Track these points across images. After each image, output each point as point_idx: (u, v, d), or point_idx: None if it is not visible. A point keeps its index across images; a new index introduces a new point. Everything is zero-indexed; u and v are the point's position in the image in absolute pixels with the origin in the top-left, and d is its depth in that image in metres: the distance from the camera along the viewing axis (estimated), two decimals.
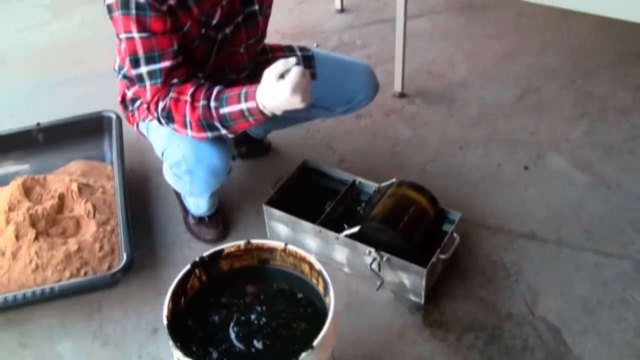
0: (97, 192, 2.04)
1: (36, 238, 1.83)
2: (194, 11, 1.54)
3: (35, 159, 2.21)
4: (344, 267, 1.86)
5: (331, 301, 1.37)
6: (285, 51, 1.93)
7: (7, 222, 1.87)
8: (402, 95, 2.47)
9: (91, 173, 2.17)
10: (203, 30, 1.58)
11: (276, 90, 1.42)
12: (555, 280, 1.79)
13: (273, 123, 2.13)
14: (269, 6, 1.80)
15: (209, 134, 1.55)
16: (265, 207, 1.91)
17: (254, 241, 1.50)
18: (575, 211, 1.99)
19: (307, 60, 1.91)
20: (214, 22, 1.60)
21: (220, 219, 2.02)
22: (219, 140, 1.63)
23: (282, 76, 1.42)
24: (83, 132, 2.24)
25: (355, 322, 1.73)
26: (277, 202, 1.94)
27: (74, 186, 1.99)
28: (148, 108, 1.58)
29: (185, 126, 1.54)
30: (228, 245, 1.50)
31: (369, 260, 1.75)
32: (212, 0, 1.57)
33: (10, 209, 1.91)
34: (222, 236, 2.00)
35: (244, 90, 1.49)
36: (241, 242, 1.50)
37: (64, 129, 2.24)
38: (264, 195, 1.94)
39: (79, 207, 1.97)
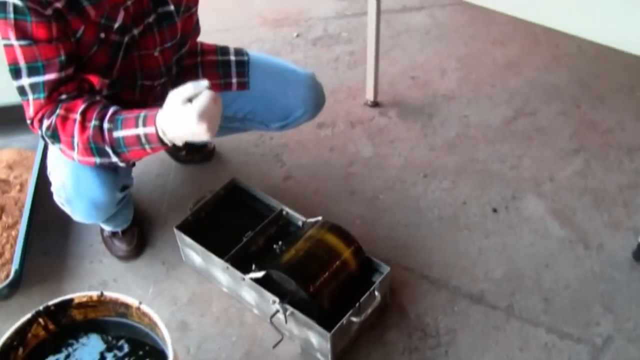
0: (12, 189, 1.85)
1: None
2: (89, 13, 1.28)
3: None
4: (254, 309, 1.62)
5: None
6: (217, 54, 1.66)
7: None
8: (375, 104, 2.16)
9: (20, 165, 1.97)
10: (102, 35, 1.33)
11: (180, 115, 1.20)
12: (492, 358, 1.50)
13: None
14: (193, 4, 1.53)
15: (97, 160, 1.31)
16: (176, 231, 1.68)
17: (108, 294, 1.27)
18: (538, 272, 1.67)
19: (241, 66, 1.64)
20: (117, 25, 1.34)
21: (136, 233, 1.80)
22: (106, 169, 1.41)
23: (190, 100, 1.19)
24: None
25: None
26: (193, 225, 1.70)
27: None
28: (32, 124, 1.35)
29: (72, 148, 1.30)
30: (79, 295, 1.28)
31: (272, 310, 1.50)
32: (112, 0, 1.31)
33: None
34: (135, 253, 1.78)
35: (143, 113, 1.26)
36: (94, 293, 1.28)
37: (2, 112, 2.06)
38: None
39: None
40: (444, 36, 2.44)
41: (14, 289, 1.65)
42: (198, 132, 1.21)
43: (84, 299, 1.28)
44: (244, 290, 1.59)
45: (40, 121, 1.31)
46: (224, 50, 1.67)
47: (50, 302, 1.27)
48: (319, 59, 2.37)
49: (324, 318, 1.46)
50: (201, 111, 1.19)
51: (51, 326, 1.29)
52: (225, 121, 1.78)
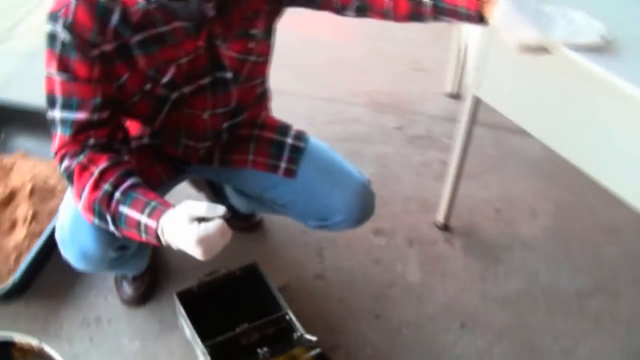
0: (54, 199, 1.88)
1: None
2: (138, 63, 1.26)
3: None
4: None
5: None
6: (276, 133, 1.58)
7: None
8: (444, 227, 1.97)
9: None
10: (148, 86, 1.31)
11: (182, 231, 1.15)
12: None
13: (251, 203, 1.81)
14: (258, 76, 1.47)
15: (96, 221, 1.27)
16: (175, 298, 1.61)
17: (47, 349, 1.22)
18: None
19: (295, 152, 1.55)
20: (165, 79, 1.31)
21: (146, 281, 1.77)
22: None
23: (199, 219, 1.15)
24: None
25: None
26: (196, 296, 1.63)
27: (29, 187, 1.85)
28: (54, 156, 1.34)
29: (79, 198, 1.27)
30: (20, 338, 1.24)
31: None
32: (165, 55, 1.28)
33: None
34: (138, 301, 1.75)
35: (154, 202, 1.21)
36: (35, 343, 1.24)
37: None
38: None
39: (22, 210, 1.83)
40: (552, 174, 2.19)
41: (9, 298, 1.66)
42: (192, 253, 1.16)
43: (24, 343, 1.24)
44: None
45: (62, 159, 1.29)
46: (284, 131, 1.59)
47: None
48: (409, 160, 2.23)
49: None
50: (202, 238, 1.13)
51: None
52: (267, 202, 1.71)
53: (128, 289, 1.76)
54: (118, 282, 1.78)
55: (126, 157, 1.31)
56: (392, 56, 2.73)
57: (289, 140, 1.56)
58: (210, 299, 1.64)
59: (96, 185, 1.23)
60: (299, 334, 1.52)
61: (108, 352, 1.66)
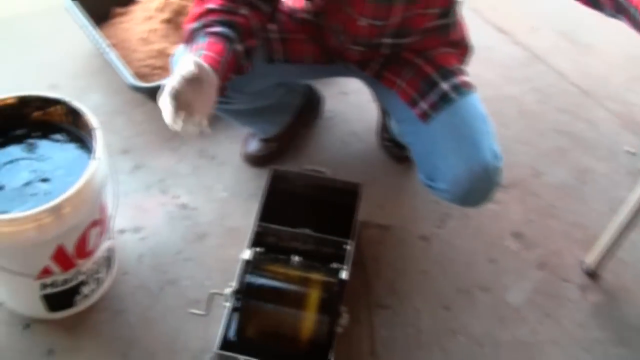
0: None
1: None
2: None
3: None
4: None
5: None
6: (437, 72, 1.42)
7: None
8: (589, 272, 1.61)
9: None
10: None
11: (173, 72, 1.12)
12: None
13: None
14: (433, 6, 1.37)
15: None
16: (270, 170, 1.59)
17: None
18: None
19: (442, 99, 1.39)
20: None
21: (272, 148, 1.80)
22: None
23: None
24: None
25: None
26: (288, 180, 1.62)
27: None
28: None
29: (185, 24, 1.30)
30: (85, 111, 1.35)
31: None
32: None
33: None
34: (255, 162, 1.81)
35: (206, 51, 1.18)
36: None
37: None
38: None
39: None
40: None
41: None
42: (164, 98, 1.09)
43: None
44: None
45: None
46: (448, 75, 1.42)
47: None
48: (611, 189, 1.83)
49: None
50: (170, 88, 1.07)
51: None
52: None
53: (250, 146, 1.82)
54: (248, 137, 1.84)
55: (244, 12, 1.26)
56: None
57: (444, 86, 1.40)
58: (297, 189, 1.62)
59: (197, 17, 1.25)
60: (336, 266, 1.43)
61: (204, 186, 1.76)
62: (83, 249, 1.35)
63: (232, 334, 1.33)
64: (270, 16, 1.37)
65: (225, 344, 1.31)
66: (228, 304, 1.35)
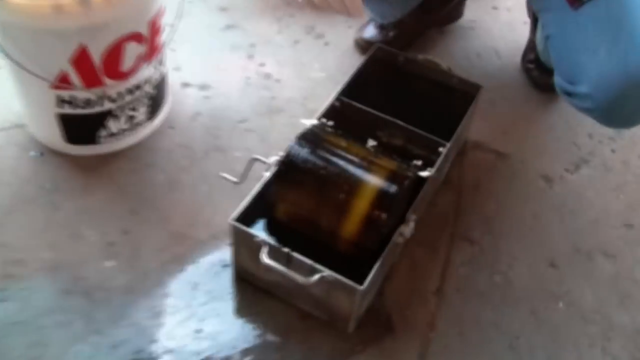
0: None
1: None
2: None
3: None
4: None
5: None
6: None
7: None
8: None
9: None
10: None
11: None
12: None
13: None
14: None
15: None
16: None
17: None
18: None
19: None
20: None
21: (388, 37, 1.48)
22: None
23: None
24: None
25: None
26: (397, 68, 1.30)
27: None
28: None
29: None
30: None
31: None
32: None
33: None
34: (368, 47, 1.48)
35: None
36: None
37: None
38: None
39: None
40: None
41: None
42: None
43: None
44: None
45: None
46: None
47: None
48: None
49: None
50: None
51: None
52: None
53: (366, 31, 1.52)
54: (367, 23, 1.54)
55: None
56: None
57: None
58: (401, 78, 1.30)
59: None
60: (421, 164, 1.07)
61: (299, 61, 1.49)
62: (114, 66, 1.10)
63: (259, 209, 1.02)
64: None
65: (245, 218, 1.00)
66: (267, 174, 1.04)
